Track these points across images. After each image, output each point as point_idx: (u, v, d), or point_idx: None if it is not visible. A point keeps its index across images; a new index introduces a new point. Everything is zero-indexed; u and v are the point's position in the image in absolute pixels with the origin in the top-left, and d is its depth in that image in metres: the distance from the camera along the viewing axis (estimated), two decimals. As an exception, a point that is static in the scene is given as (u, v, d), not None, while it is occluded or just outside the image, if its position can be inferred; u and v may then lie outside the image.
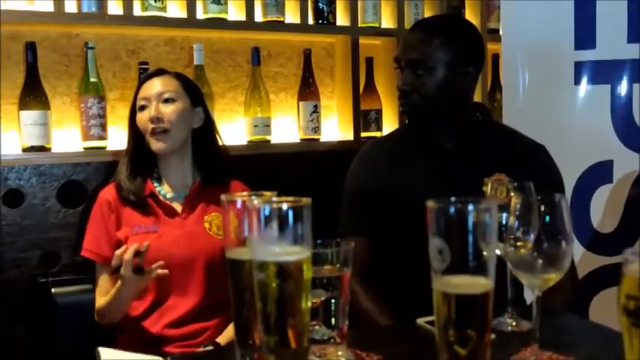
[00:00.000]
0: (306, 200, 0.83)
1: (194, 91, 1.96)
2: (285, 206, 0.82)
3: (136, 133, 1.91)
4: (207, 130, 1.97)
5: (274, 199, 0.87)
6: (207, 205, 1.92)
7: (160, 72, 1.94)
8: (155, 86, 1.89)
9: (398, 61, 1.76)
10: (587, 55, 2.26)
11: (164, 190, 1.92)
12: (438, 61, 1.70)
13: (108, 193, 1.91)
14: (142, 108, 1.89)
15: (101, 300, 1.84)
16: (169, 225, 1.88)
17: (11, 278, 2.08)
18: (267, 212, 0.82)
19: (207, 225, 1.89)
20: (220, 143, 2.02)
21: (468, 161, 1.73)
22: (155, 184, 1.92)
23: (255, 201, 0.85)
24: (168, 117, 1.86)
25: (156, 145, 1.86)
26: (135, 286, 1.72)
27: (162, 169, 1.94)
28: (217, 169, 1.96)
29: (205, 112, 1.97)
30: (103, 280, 1.88)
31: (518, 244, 1.06)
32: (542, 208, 1.04)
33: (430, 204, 0.81)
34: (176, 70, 2.05)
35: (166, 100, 1.87)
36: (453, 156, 1.76)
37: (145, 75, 1.98)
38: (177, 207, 1.91)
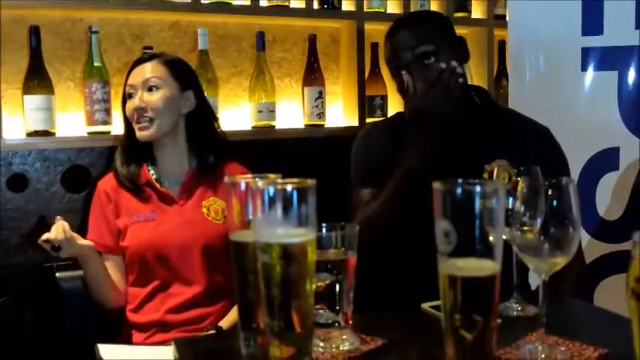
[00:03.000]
0: (310, 182, 0.82)
1: (184, 76, 1.91)
2: (289, 187, 0.81)
3: (128, 119, 1.90)
4: (200, 114, 1.92)
5: (278, 180, 0.86)
6: (205, 191, 1.90)
7: (150, 58, 1.90)
8: (141, 73, 1.86)
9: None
10: (595, 41, 2.24)
11: (160, 178, 1.91)
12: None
13: (106, 182, 1.90)
14: (130, 96, 1.87)
15: None
16: (167, 212, 1.86)
17: (16, 263, 2.09)
18: (271, 194, 0.81)
19: (205, 210, 1.87)
20: (218, 128, 1.98)
21: (472, 144, 1.72)
22: (151, 172, 1.90)
23: (259, 183, 0.84)
24: (153, 105, 1.83)
25: (139, 133, 1.85)
26: (82, 259, 1.79)
27: (157, 156, 1.92)
28: (214, 154, 1.93)
29: (198, 95, 1.92)
30: (108, 269, 1.87)
31: (525, 228, 1.04)
32: (550, 192, 1.03)
33: (437, 185, 0.80)
34: (179, 55, 2.02)
35: (150, 88, 1.84)
36: (455, 139, 1.74)
37: (135, 61, 1.93)
38: (175, 194, 1.89)
